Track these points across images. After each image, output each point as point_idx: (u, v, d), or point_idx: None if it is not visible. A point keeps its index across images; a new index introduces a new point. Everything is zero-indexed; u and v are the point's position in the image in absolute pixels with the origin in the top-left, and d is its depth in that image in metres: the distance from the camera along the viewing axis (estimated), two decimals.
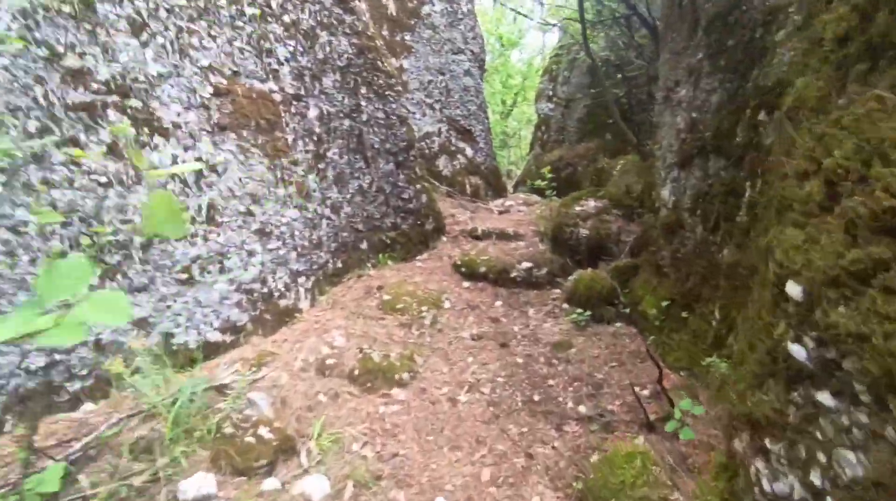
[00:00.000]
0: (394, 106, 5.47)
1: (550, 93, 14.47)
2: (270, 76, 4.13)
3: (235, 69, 3.83)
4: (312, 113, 4.52)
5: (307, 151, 4.42)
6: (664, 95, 3.76)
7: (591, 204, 5.13)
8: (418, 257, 5.72)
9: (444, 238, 6.28)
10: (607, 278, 4.16)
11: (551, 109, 14.54)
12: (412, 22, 8.31)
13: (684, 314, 3.28)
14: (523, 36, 16.44)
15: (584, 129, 11.10)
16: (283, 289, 4.10)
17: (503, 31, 16.23)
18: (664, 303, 3.48)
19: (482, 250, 5.53)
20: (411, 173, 5.66)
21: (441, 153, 8.37)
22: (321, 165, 4.59)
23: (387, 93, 5.40)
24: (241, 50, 3.88)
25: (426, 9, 8.38)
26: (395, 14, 8.23)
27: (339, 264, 4.79)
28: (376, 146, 5.24)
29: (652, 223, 3.98)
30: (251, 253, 3.85)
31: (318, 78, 4.63)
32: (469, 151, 8.57)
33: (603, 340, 3.83)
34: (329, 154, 4.71)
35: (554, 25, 9.19)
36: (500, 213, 7.72)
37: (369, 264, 5.16)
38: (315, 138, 4.54)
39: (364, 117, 5.12)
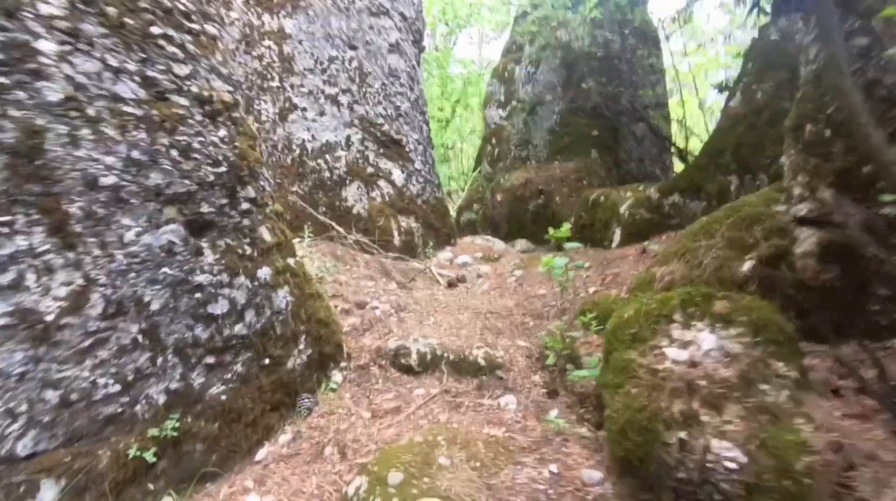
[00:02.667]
0: (184, 72, 1.99)
1: (503, 97, 11.37)
2: None
3: None
4: None
5: None
6: None
7: (710, 342, 1.88)
8: (260, 459, 2.24)
9: (340, 375, 2.81)
10: None
11: (504, 117, 11.47)
12: None
13: None
14: (477, 11, 12.80)
15: (557, 143, 8.00)
16: None
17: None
18: None
19: (420, 444, 2.12)
20: (239, 244, 2.19)
21: (351, 178, 4.92)
22: None
23: (154, 39, 1.92)
24: None
25: None
26: None
27: None
28: (106, 184, 1.74)
29: None
30: None
31: None
32: (398, 175, 5.15)
33: None
34: None
35: None
36: (451, 285, 4.36)
37: None
38: None
39: (50, 95, 1.62)
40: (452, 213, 12.27)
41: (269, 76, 4.64)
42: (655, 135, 6.96)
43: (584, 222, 6.13)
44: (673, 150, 6.76)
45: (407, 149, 5.18)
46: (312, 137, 4.82)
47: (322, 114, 4.85)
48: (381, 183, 5.01)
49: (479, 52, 20.74)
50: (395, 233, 4.95)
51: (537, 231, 7.60)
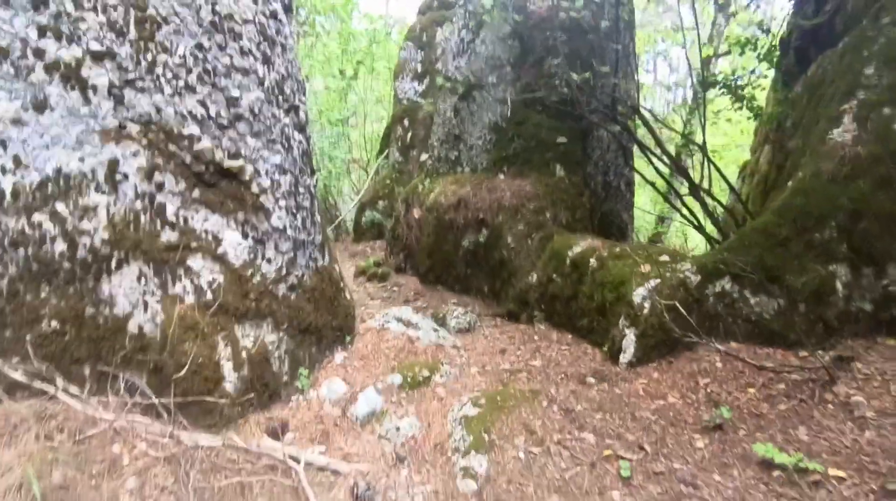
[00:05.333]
0: None
1: (420, 66, 8.72)
2: None
3: None
4: None
5: None
6: None
7: None
8: None
9: None
10: None
11: (420, 91, 8.82)
12: None
13: None
14: None
15: (503, 147, 5.54)
16: None
17: None
18: None
19: None
20: None
21: (123, 255, 2.18)
22: None
23: None
24: None
25: None
26: None
27: None
28: None
29: None
30: None
31: None
32: (234, 244, 2.47)
33: None
34: None
35: None
36: None
37: None
38: None
39: None
40: (351, 216, 9.50)
41: None
42: (642, 147, 4.79)
43: (554, 292, 3.86)
44: (683, 182, 4.63)
45: (255, 188, 2.49)
46: (15, 161, 1.99)
47: (40, 107, 2.02)
48: (196, 262, 2.31)
49: (385, 7, 17.62)
50: (227, 368, 2.32)
51: (473, 278, 5.22)
